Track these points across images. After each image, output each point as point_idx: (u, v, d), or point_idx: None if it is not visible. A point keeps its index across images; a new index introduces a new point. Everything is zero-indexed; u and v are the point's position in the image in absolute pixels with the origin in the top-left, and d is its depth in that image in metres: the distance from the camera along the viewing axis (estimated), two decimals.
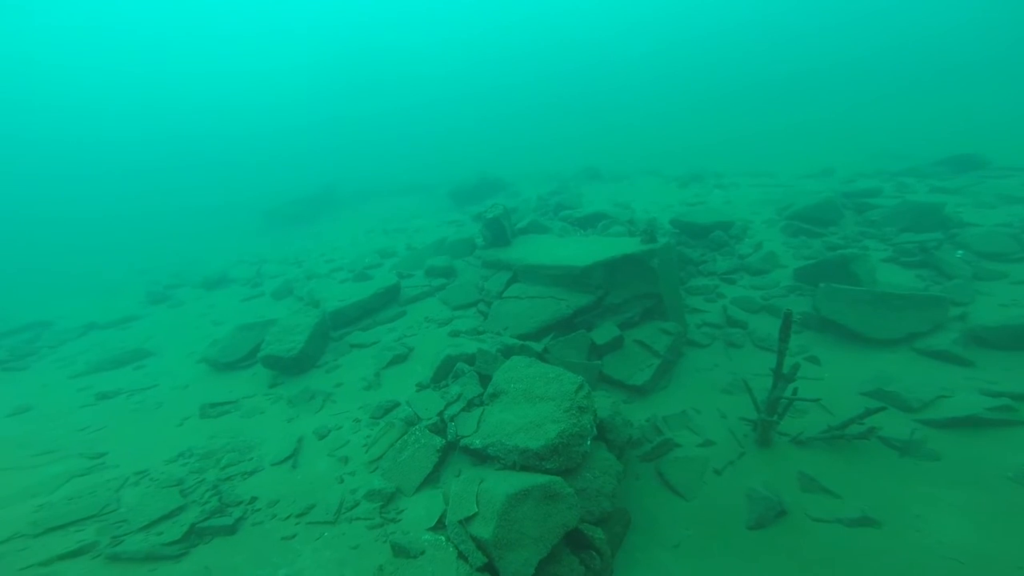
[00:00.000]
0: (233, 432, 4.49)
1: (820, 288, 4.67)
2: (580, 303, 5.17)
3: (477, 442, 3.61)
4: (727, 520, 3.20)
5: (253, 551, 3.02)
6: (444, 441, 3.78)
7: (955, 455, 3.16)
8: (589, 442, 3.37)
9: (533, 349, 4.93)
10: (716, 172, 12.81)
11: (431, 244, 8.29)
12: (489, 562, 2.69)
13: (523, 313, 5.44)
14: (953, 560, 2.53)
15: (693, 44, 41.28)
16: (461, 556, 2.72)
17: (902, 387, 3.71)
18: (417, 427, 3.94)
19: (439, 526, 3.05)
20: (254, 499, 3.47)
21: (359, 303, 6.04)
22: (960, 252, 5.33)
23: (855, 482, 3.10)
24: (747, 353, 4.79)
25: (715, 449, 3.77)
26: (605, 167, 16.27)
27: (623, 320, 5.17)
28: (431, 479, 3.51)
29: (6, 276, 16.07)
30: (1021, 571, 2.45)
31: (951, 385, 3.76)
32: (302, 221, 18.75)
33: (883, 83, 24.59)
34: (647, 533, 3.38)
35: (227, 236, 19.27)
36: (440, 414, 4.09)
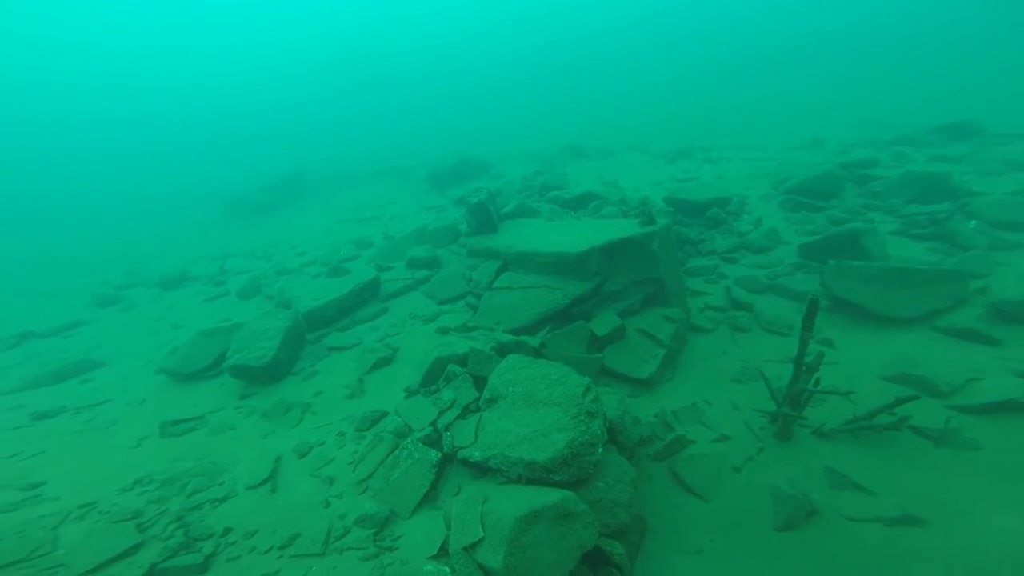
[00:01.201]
0: (200, 453, 4.09)
1: (829, 265, 4.51)
2: (577, 292, 4.89)
3: (476, 454, 3.34)
4: (752, 522, 3.03)
5: None
6: (440, 454, 3.49)
7: (996, 444, 3.05)
8: (600, 449, 3.13)
9: (529, 345, 4.65)
10: (703, 146, 12.60)
11: (411, 233, 7.83)
12: None
13: (516, 305, 5.13)
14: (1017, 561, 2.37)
15: (671, 16, 40.62)
16: None
17: (928, 370, 3.58)
18: (409, 440, 3.63)
19: (442, 554, 2.78)
20: (228, 530, 3.12)
21: (336, 301, 5.61)
22: (973, 222, 5.22)
23: (890, 477, 2.96)
24: (755, 337, 4.62)
25: (731, 444, 3.59)
26: (589, 144, 15.90)
27: (623, 308, 4.92)
28: (429, 498, 3.22)
29: None
30: None
31: (980, 366, 3.65)
32: (269, 210, 17.81)
33: (860, 53, 24.75)
34: (665, 539, 3.19)
35: (187, 228, 18.19)
36: (433, 423, 3.78)
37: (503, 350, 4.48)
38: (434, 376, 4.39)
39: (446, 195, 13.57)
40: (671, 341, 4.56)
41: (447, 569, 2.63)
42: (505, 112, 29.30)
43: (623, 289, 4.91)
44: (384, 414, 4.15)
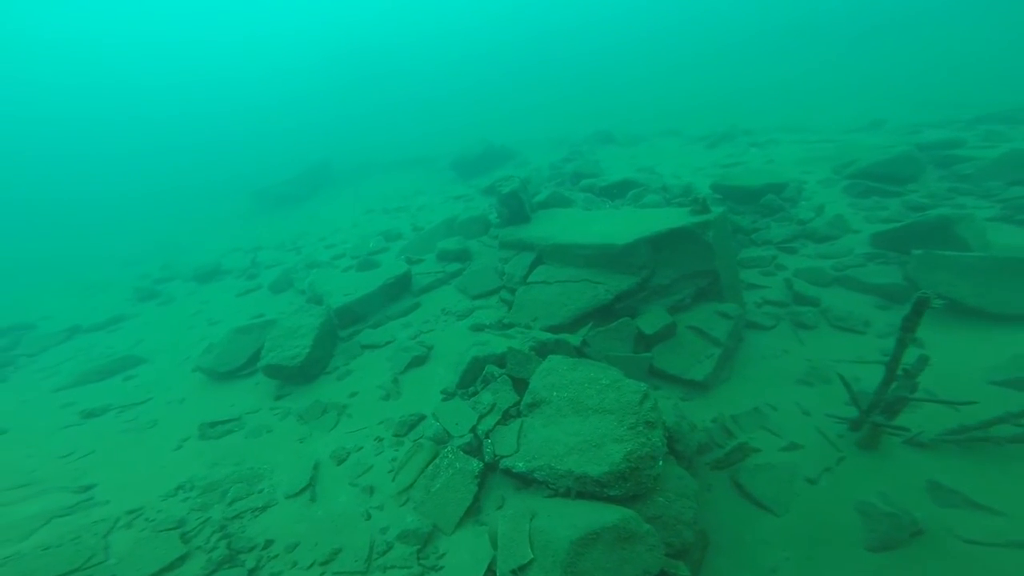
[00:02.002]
0: (238, 456, 4.06)
1: (915, 256, 4.03)
2: (621, 286, 4.59)
3: (520, 465, 3.13)
4: (836, 539, 2.73)
5: None
6: (481, 464, 3.31)
7: None
8: (661, 462, 2.87)
9: (570, 343, 4.40)
10: (745, 129, 11.88)
11: (440, 224, 7.66)
12: None
13: (554, 300, 4.88)
14: None
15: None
16: None
17: None
18: (449, 447, 3.47)
19: None
20: (269, 543, 3.05)
21: (367, 297, 5.50)
22: None
23: (1019, 496, 2.57)
24: (822, 335, 4.21)
25: (803, 454, 3.27)
26: (618, 130, 15.35)
27: (672, 303, 4.59)
28: (472, 512, 3.06)
29: None
30: None
31: None
32: (296, 201, 18.09)
33: (910, 27, 22.72)
34: (732, 556, 2.92)
35: (218, 220, 18.70)
36: (473, 430, 3.61)
37: (543, 349, 4.25)
38: (471, 377, 4.21)
39: (472, 184, 13.35)
40: (728, 339, 4.22)
41: None
42: (528, 98, 28.69)
43: (672, 283, 4.58)
44: (421, 418, 4.00)
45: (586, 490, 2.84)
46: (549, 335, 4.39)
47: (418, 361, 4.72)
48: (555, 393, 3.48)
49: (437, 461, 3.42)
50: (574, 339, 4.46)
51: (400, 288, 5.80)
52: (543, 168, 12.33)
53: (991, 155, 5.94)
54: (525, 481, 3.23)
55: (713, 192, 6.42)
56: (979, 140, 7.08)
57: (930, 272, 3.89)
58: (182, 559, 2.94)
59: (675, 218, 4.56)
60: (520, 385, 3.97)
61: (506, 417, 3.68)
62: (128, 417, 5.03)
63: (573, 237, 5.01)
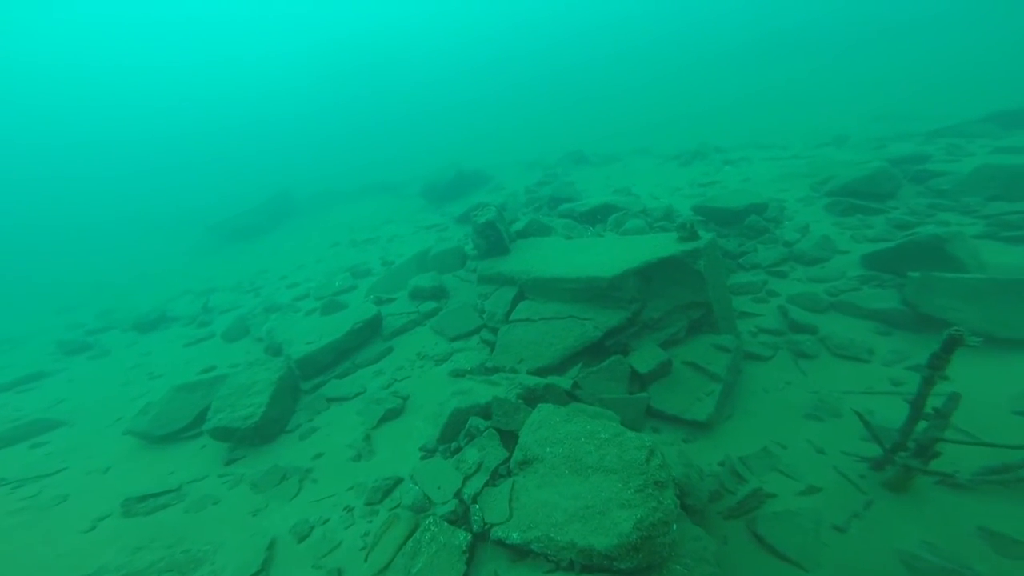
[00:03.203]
0: (174, 536, 3.59)
1: (912, 279, 4.06)
2: (611, 322, 4.44)
3: (515, 535, 2.84)
4: None
5: None
6: (469, 535, 3.00)
7: None
8: (675, 526, 2.64)
9: (560, 387, 4.18)
10: (716, 147, 12.33)
11: (412, 258, 7.42)
12: None
13: (539, 340, 4.68)
14: None
15: (656, 15, 41.05)
16: None
17: None
18: (431, 518, 3.13)
19: None
20: None
21: (333, 344, 5.16)
22: None
23: None
24: (824, 364, 4.15)
25: (825, 498, 3.10)
26: (590, 149, 15.72)
27: (666, 338, 4.47)
28: None
29: None
30: None
31: None
32: (255, 234, 17.53)
33: (855, 44, 24.68)
34: None
35: (167, 256, 17.86)
36: (458, 494, 3.30)
37: (531, 397, 4.02)
38: (453, 431, 3.92)
39: (445, 212, 13.25)
40: (727, 374, 4.09)
41: None
42: (497, 120, 29.35)
43: (664, 316, 4.47)
44: (398, 481, 3.66)
45: (592, 563, 2.58)
46: (537, 379, 4.16)
47: (392, 414, 4.40)
48: (548, 449, 3.24)
49: (417, 535, 3.08)
50: (564, 382, 4.25)
51: (370, 332, 5.48)
52: (519, 193, 12.38)
53: (962, 169, 6.26)
54: (521, 553, 2.93)
55: (695, 214, 6.48)
56: (943, 154, 7.49)
57: (930, 296, 3.91)
58: None
59: (663, 246, 4.50)
60: (508, 438, 3.71)
61: (495, 477, 3.40)
62: (27, 493, 4.40)
63: (557, 270, 4.87)
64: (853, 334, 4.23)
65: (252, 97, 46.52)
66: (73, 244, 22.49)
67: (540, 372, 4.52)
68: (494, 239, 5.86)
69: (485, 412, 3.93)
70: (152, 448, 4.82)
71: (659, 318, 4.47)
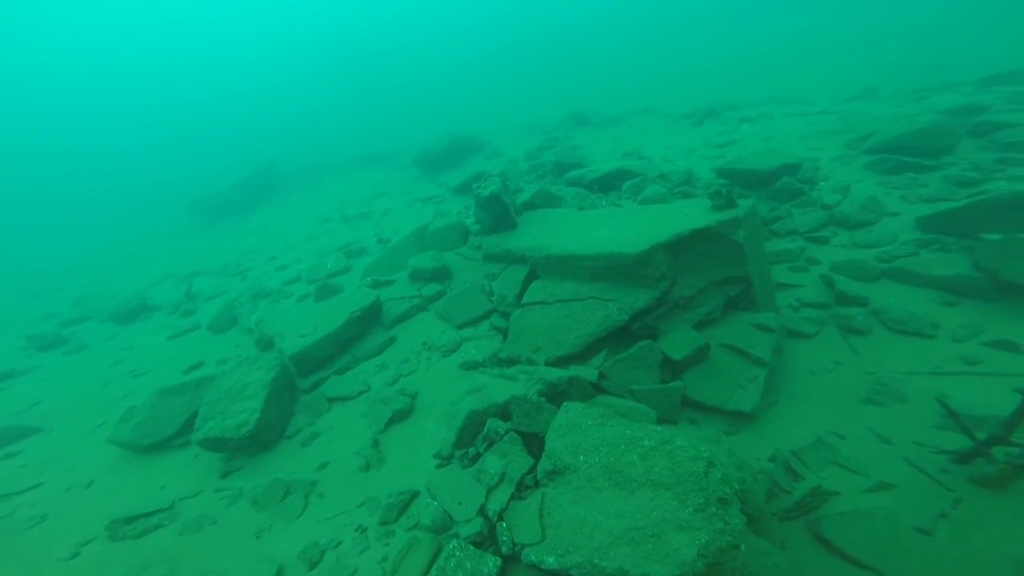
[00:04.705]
0: (169, 563, 3.30)
1: (990, 241, 3.61)
2: (637, 303, 4.03)
3: (551, 560, 2.52)
4: None
5: None
6: (498, 560, 2.68)
7: None
8: (744, 546, 2.30)
9: (585, 379, 3.81)
10: (729, 104, 11.59)
11: (409, 235, 6.91)
12: None
13: (557, 325, 4.27)
14: None
15: None
16: None
17: None
18: (454, 541, 2.80)
19: None
20: None
21: (330, 336, 4.74)
22: None
23: None
24: (879, 340, 3.77)
25: (899, 495, 2.79)
26: (592, 110, 14.87)
27: (699, 318, 4.07)
28: None
29: None
30: None
31: None
32: (241, 211, 16.86)
33: None
34: None
35: (148, 236, 17.22)
36: (482, 510, 2.96)
37: (554, 392, 3.64)
38: (470, 436, 3.57)
39: (440, 182, 12.58)
40: (771, 357, 3.71)
41: None
42: (491, 83, 28.04)
43: (697, 294, 4.05)
44: (414, 495, 3.33)
45: None
46: (559, 372, 3.78)
47: (401, 415, 4.03)
48: (582, 457, 2.88)
49: (441, 562, 2.76)
50: (589, 373, 3.87)
51: (370, 321, 5.05)
52: (518, 159, 11.71)
53: None
54: None
55: (718, 177, 5.96)
56: (1005, 104, 6.79)
57: (1013, 260, 3.47)
58: None
59: (694, 215, 4.02)
60: (532, 442, 3.36)
61: (521, 489, 3.06)
62: (2, 513, 4.08)
63: (573, 245, 4.41)
64: (912, 305, 3.83)
65: (234, 67, 44.21)
66: (48, 224, 21.64)
67: (560, 362, 4.14)
68: (500, 213, 5.35)
69: (503, 412, 3.56)
70: (140, 458, 4.48)
71: (691, 296, 4.05)
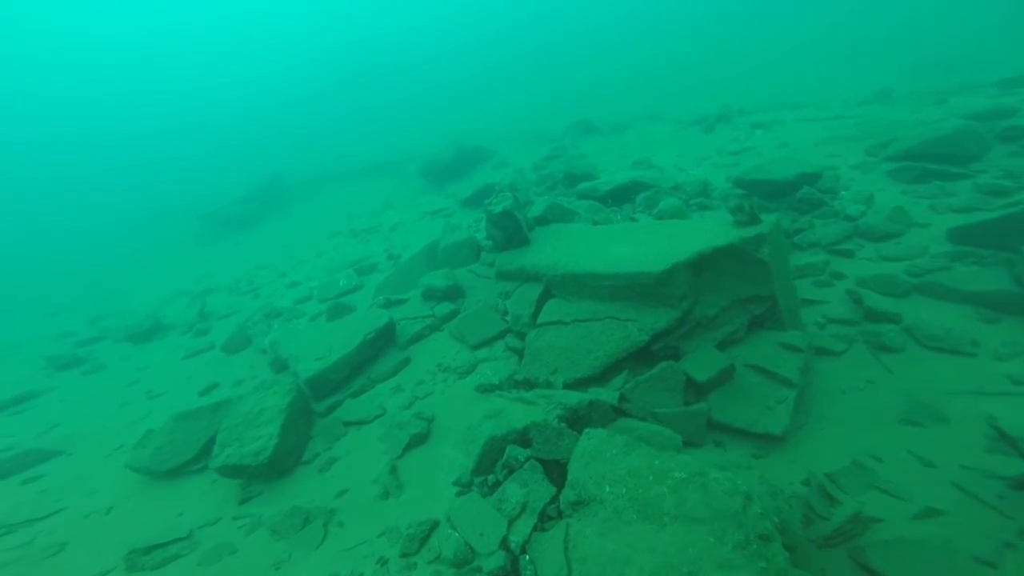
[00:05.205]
0: None
1: None
2: (658, 324, 3.97)
3: None
4: None
5: None
6: None
7: None
8: None
9: (606, 403, 3.75)
10: (739, 108, 11.49)
11: (420, 252, 6.91)
12: None
13: (575, 346, 4.22)
14: None
15: None
16: None
17: None
18: (478, 574, 2.74)
19: None
20: None
21: (345, 359, 4.74)
22: None
23: None
24: (915, 359, 3.66)
25: (951, 523, 2.68)
26: (596, 118, 14.83)
27: (722, 338, 4.00)
28: None
29: None
30: None
31: None
32: (248, 223, 17.07)
33: None
34: None
35: (161, 251, 17.47)
36: (504, 542, 2.90)
37: (575, 418, 3.59)
38: (489, 462, 3.51)
39: (448, 193, 12.62)
40: (800, 378, 3.62)
41: None
42: (493, 93, 28.23)
43: (720, 313, 3.98)
44: (434, 525, 3.28)
45: None
46: (579, 396, 3.72)
47: (418, 440, 4.00)
48: (608, 488, 2.82)
49: None
50: (609, 395, 3.82)
51: (384, 342, 5.04)
52: (526, 169, 11.73)
53: None
54: None
55: (734, 187, 5.88)
56: None
57: None
58: None
59: (715, 231, 3.96)
60: (553, 469, 3.30)
61: (543, 519, 3.01)
62: (17, 541, 4.06)
63: (589, 263, 4.36)
64: (949, 322, 3.73)
65: (241, 80, 45.11)
66: (62, 242, 22.09)
67: (578, 384, 4.08)
68: (512, 229, 5.33)
69: (523, 438, 3.50)
70: (158, 484, 4.49)
71: (714, 315, 3.98)
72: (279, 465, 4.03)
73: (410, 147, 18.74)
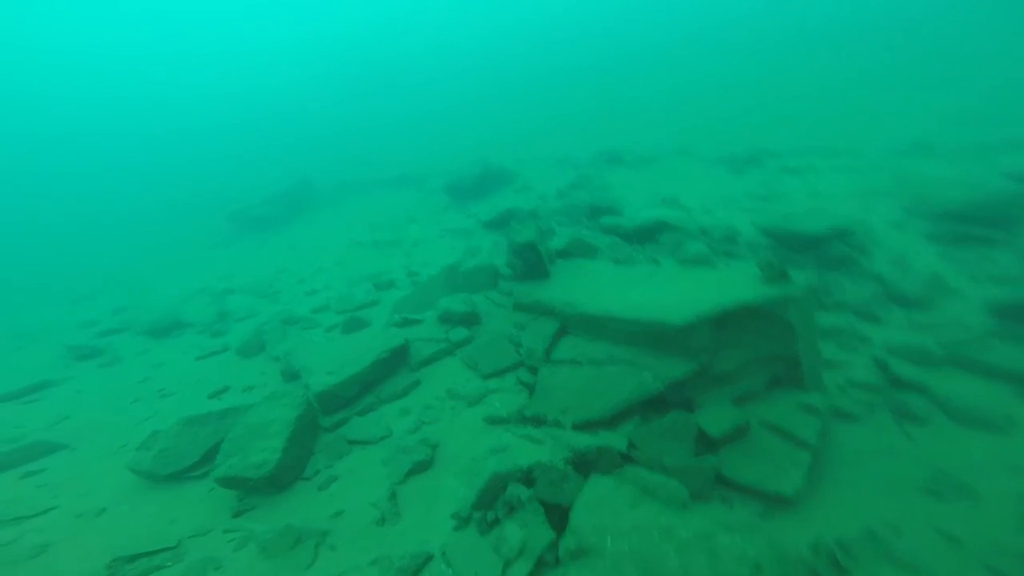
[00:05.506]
0: None
1: None
2: (674, 374, 3.97)
3: None
4: None
5: None
6: None
7: None
8: None
9: (614, 449, 3.74)
10: (771, 151, 11.51)
11: (439, 273, 7.04)
12: None
13: (587, 388, 4.24)
14: None
15: (689, 8, 39.55)
16: None
17: None
18: None
19: None
20: None
21: (357, 376, 4.84)
22: None
23: None
24: (939, 431, 3.60)
25: None
26: (625, 148, 14.99)
27: (740, 393, 3.96)
28: None
29: None
30: None
31: None
32: (275, 224, 17.59)
33: (921, 33, 23.02)
34: None
35: (189, 246, 18.09)
36: None
37: (581, 462, 3.59)
38: (490, 498, 3.51)
39: (470, 212, 12.84)
40: (817, 440, 3.56)
41: None
42: (523, 112, 28.86)
43: (739, 368, 3.96)
44: (428, 558, 3.28)
45: None
46: (587, 438, 3.73)
47: (421, 467, 4.02)
48: (609, 541, 2.81)
49: None
50: (619, 441, 3.80)
51: (396, 362, 5.13)
52: (549, 196, 11.88)
53: None
54: None
55: (762, 235, 5.87)
56: None
57: None
58: None
59: (742, 285, 3.97)
60: (554, 512, 3.30)
61: (540, 566, 3.00)
62: (4, 539, 4.05)
63: (608, 306, 4.40)
64: (981, 397, 3.66)
65: (278, 84, 47.39)
66: (93, 234, 23.10)
67: (588, 426, 4.07)
68: (533, 261, 5.42)
69: (527, 477, 3.51)
70: (155, 487, 4.56)
71: (733, 371, 3.96)
72: (279, 480, 4.08)
73: (436, 161, 19.21)
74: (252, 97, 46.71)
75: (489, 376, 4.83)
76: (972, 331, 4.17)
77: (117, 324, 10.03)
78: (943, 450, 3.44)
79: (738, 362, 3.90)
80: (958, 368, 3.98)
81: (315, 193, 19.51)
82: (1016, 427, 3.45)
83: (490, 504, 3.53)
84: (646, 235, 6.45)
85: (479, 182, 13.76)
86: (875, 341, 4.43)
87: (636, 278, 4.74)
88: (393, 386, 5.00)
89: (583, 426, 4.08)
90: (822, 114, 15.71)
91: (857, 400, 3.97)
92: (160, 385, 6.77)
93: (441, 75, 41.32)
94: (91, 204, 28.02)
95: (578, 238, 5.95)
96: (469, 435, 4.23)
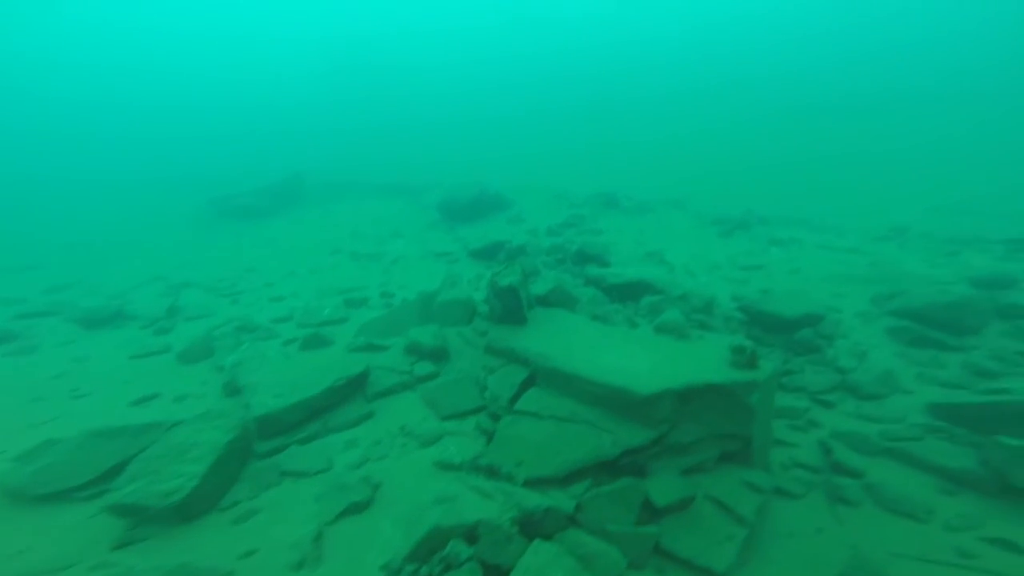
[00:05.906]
0: None
1: (1005, 445, 3.74)
2: (632, 441, 4.14)
3: None
4: None
5: None
6: None
7: None
8: None
9: (562, 512, 3.83)
10: (761, 217, 12.20)
11: (414, 301, 7.15)
12: None
13: (545, 444, 4.36)
14: None
15: (711, 58, 42.16)
16: None
17: None
18: None
19: None
20: None
21: (305, 402, 4.81)
22: None
23: None
24: (867, 516, 3.83)
25: None
26: (622, 192, 15.63)
27: (690, 465, 4.15)
28: None
29: None
30: None
31: None
32: (257, 217, 17.63)
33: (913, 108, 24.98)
34: None
35: (158, 226, 17.63)
36: None
37: (528, 522, 3.67)
38: (427, 551, 3.54)
39: (458, 235, 13.10)
40: (755, 518, 3.76)
41: None
42: (524, 140, 29.78)
43: (695, 442, 4.15)
44: None
45: None
46: (537, 499, 3.82)
47: (357, 508, 3.97)
48: None
49: None
50: (567, 503, 3.90)
51: (352, 390, 5.15)
52: (540, 232, 12.25)
53: None
54: None
55: (738, 312, 6.22)
56: None
57: None
58: None
59: (711, 365, 4.21)
60: (493, 573, 3.34)
61: None
62: None
63: (580, 365, 4.58)
64: (909, 487, 3.98)
65: (287, 78, 48.32)
66: (67, 197, 22.45)
67: (540, 483, 4.16)
68: (513, 306, 5.59)
69: (470, 535, 3.56)
70: (21, 509, 3.99)
71: (688, 444, 4.15)
72: (187, 510, 3.77)
73: (432, 175, 19.53)
74: (259, 86, 47.36)
75: (448, 417, 4.89)
76: (911, 427, 4.53)
77: (47, 306, 9.42)
78: (866, 534, 3.66)
79: (695, 435, 4.09)
80: (893, 459, 4.29)
81: (305, 190, 19.52)
82: (934, 518, 3.72)
83: (425, 558, 3.54)
84: (628, 293, 6.71)
85: (472, 205, 14.07)
86: (825, 425, 4.72)
87: (611, 340, 4.95)
88: (344, 415, 4.99)
89: (535, 482, 4.15)
90: (818, 184, 16.77)
91: (798, 479, 4.19)
92: (75, 384, 6.25)
93: (454, 91, 42.56)
94: (72, 170, 27.37)
95: (560, 287, 6.15)
96: (416, 479, 4.24)
